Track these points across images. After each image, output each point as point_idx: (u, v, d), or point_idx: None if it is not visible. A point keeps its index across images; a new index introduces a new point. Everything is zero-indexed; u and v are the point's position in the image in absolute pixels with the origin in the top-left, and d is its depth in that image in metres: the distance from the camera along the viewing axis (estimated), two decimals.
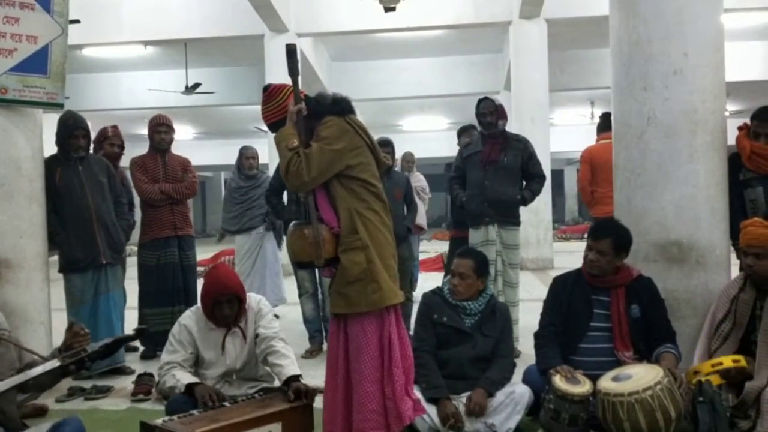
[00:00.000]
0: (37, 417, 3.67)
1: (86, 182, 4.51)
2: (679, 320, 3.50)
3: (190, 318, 3.38)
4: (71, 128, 4.46)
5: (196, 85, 12.86)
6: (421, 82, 14.19)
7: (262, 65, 10.84)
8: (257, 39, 10.65)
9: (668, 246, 3.62)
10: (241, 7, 9.77)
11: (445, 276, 4.09)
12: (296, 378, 3.15)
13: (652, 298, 3.35)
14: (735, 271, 3.59)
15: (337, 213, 2.70)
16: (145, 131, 5.50)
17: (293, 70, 2.71)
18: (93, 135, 4.90)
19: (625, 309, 3.30)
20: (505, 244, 4.74)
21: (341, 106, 2.74)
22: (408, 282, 5.25)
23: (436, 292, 3.52)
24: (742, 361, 3.08)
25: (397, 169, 6.22)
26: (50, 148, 4.52)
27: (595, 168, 5.48)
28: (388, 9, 9.08)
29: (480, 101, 4.80)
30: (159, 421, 2.86)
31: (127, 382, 4.35)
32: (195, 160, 6.13)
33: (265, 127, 2.88)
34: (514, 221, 4.80)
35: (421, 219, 7.36)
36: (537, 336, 3.44)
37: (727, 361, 3.10)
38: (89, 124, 4.63)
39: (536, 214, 9.91)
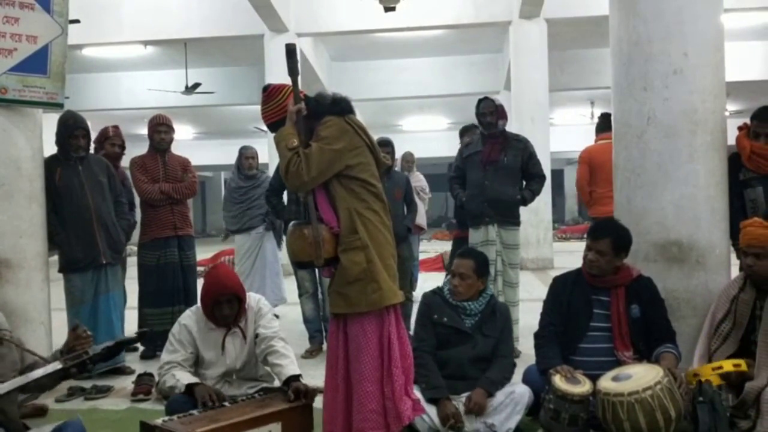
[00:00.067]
0: (37, 417, 3.68)
1: (86, 182, 4.51)
2: (679, 320, 3.50)
3: (190, 318, 3.38)
4: (71, 128, 4.46)
5: (196, 85, 12.86)
6: (421, 82, 14.19)
7: (262, 65, 10.84)
8: (257, 39, 10.65)
9: (668, 246, 3.62)
10: (241, 7, 9.77)
11: (446, 276, 4.09)
12: (296, 378, 3.15)
13: (652, 298, 3.35)
14: (735, 271, 3.58)
15: (336, 213, 2.70)
16: (144, 131, 5.51)
17: (293, 70, 2.71)
18: (93, 135, 4.90)
19: (625, 309, 3.30)
20: (505, 244, 4.74)
21: (341, 106, 2.75)
22: (408, 282, 5.25)
23: (436, 293, 3.52)
24: (743, 365, 3.07)
25: (397, 169, 6.22)
26: (50, 148, 4.52)
27: (593, 168, 5.48)
28: (388, 9, 9.08)
29: (480, 101, 4.80)
30: (159, 421, 2.86)
31: (127, 382, 4.35)
32: (195, 160, 6.13)
33: (264, 127, 2.89)
34: (514, 221, 4.80)
35: (421, 219, 7.36)
36: (537, 336, 3.43)
37: (728, 365, 3.09)
38: (89, 124, 4.63)
39: (536, 214, 9.91)
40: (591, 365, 3.20)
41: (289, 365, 3.20)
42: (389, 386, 2.68)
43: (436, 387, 3.24)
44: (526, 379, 3.38)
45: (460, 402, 3.24)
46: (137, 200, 5.34)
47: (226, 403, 3.07)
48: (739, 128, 4.00)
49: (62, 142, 4.49)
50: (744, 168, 3.90)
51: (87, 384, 4.24)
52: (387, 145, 5.17)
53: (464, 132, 5.84)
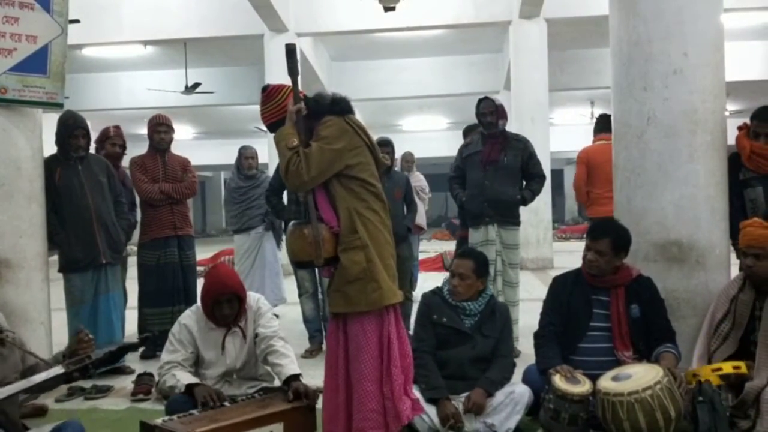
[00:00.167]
0: (37, 417, 3.68)
1: (86, 182, 4.51)
2: (679, 320, 3.50)
3: (190, 317, 3.38)
4: (71, 128, 4.46)
5: (196, 85, 12.86)
6: (421, 81, 14.20)
7: (261, 65, 10.84)
8: (257, 39, 10.65)
9: (668, 246, 3.62)
10: (241, 7, 9.77)
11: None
12: (296, 377, 3.15)
13: (651, 297, 3.35)
14: (735, 271, 3.58)
15: (336, 212, 2.70)
16: (144, 131, 5.50)
17: (293, 70, 2.71)
18: (93, 135, 4.89)
19: (625, 309, 3.30)
20: (504, 244, 4.74)
21: (340, 106, 2.75)
22: (408, 282, 5.25)
23: (436, 293, 3.52)
24: (743, 367, 3.06)
25: (397, 168, 6.22)
26: (50, 148, 4.52)
27: (591, 169, 5.51)
28: (387, 9, 9.09)
29: (480, 101, 4.80)
30: (159, 421, 2.86)
31: (126, 382, 4.35)
32: (195, 160, 6.13)
33: (264, 127, 2.89)
34: (514, 221, 4.80)
35: (421, 219, 7.36)
36: (537, 336, 3.43)
37: (728, 367, 3.08)
38: (89, 123, 4.63)
39: (536, 213, 9.91)
40: (591, 365, 3.20)
41: (289, 365, 3.20)
42: (388, 386, 2.68)
43: (436, 387, 3.24)
44: (526, 379, 3.38)
45: (459, 402, 3.24)
46: (137, 200, 5.34)
47: (226, 403, 3.07)
48: (739, 128, 4.00)
49: (62, 142, 4.49)
50: (744, 168, 3.90)
51: (87, 384, 4.23)
52: (387, 145, 5.17)
53: (468, 132, 5.84)
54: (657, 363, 3.10)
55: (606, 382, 3.00)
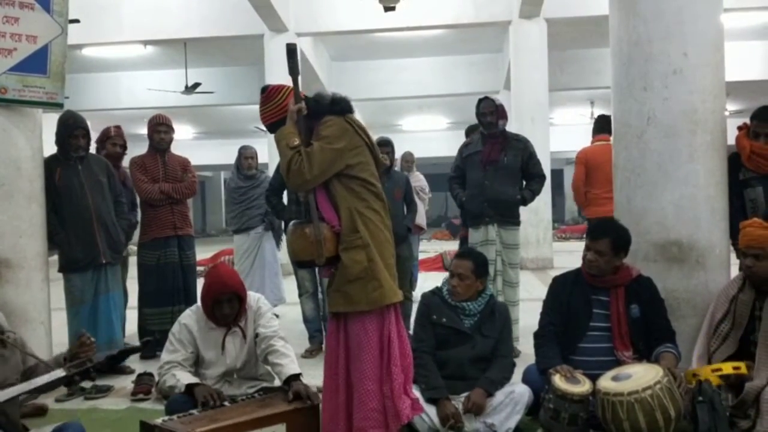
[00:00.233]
0: (37, 416, 3.68)
1: (86, 182, 4.51)
2: (679, 320, 3.50)
3: (190, 317, 3.38)
4: (71, 128, 4.46)
5: (196, 85, 12.86)
6: (421, 81, 14.19)
7: (261, 65, 10.84)
8: (257, 39, 10.65)
9: (668, 246, 3.62)
10: (241, 7, 9.77)
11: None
12: (296, 377, 3.15)
13: (651, 297, 3.35)
14: (735, 271, 3.58)
15: (337, 212, 2.70)
16: (144, 131, 5.50)
17: (293, 70, 2.72)
18: (93, 135, 4.89)
19: (625, 309, 3.30)
20: (504, 244, 4.74)
21: (341, 106, 2.76)
22: (408, 282, 5.25)
23: (435, 293, 3.52)
24: (743, 368, 3.06)
25: (397, 168, 6.22)
26: (50, 148, 4.52)
27: (589, 169, 5.52)
28: (387, 8, 9.09)
29: (480, 101, 4.80)
30: (159, 421, 2.86)
31: (126, 382, 4.35)
32: (195, 160, 6.13)
33: (264, 127, 2.89)
34: (514, 221, 4.80)
35: (421, 219, 7.36)
36: (537, 336, 3.43)
37: (728, 367, 3.08)
38: (89, 123, 4.64)
39: (536, 213, 9.91)
40: (591, 365, 3.20)
41: (290, 364, 3.21)
42: (388, 384, 2.68)
43: (436, 387, 3.24)
44: (526, 379, 3.38)
45: (459, 402, 3.24)
46: (138, 200, 5.34)
47: (226, 403, 3.07)
48: (739, 128, 4.00)
49: (62, 141, 4.49)
50: (744, 168, 3.89)
51: (87, 384, 4.23)
52: (387, 144, 5.17)
53: (470, 131, 5.84)
54: (657, 363, 3.10)
55: (606, 382, 3.00)
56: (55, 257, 4.58)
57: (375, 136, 3.18)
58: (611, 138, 4.14)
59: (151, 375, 4.17)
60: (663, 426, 2.85)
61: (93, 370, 2.47)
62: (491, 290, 3.66)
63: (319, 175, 2.65)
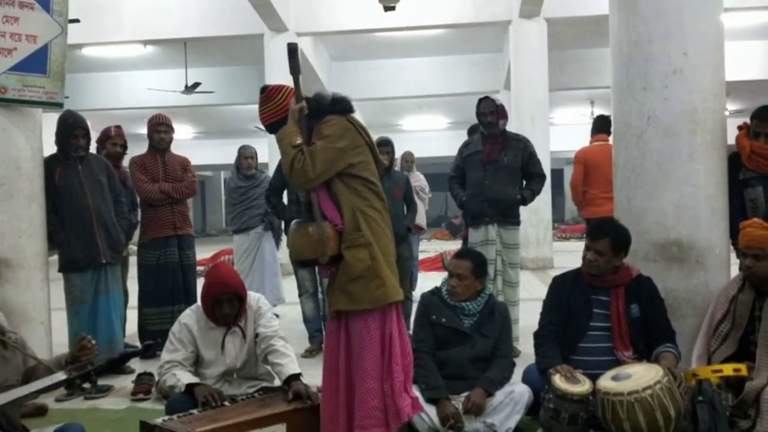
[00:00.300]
0: (37, 416, 3.67)
1: (86, 182, 4.51)
2: (679, 320, 3.50)
3: (190, 317, 3.38)
4: (71, 128, 4.46)
5: (196, 85, 12.86)
6: (421, 81, 14.19)
7: (261, 65, 10.84)
8: (257, 38, 10.64)
9: (668, 246, 3.62)
10: (241, 7, 9.77)
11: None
12: (296, 377, 3.15)
13: (651, 297, 3.35)
14: (735, 271, 3.58)
15: (339, 210, 2.70)
16: (144, 131, 5.50)
17: (294, 69, 2.71)
18: (94, 135, 4.89)
19: (625, 308, 3.30)
20: (504, 244, 4.74)
21: (342, 106, 2.76)
22: (408, 282, 5.25)
23: (435, 293, 3.52)
24: (743, 370, 3.05)
25: (397, 168, 6.22)
26: (50, 148, 4.52)
27: (588, 169, 5.53)
28: (387, 8, 9.09)
29: (480, 101, 4.80)
30: (159, 421, 2.86)
31: (126, 382, 4.35)
32: (194, 160, 6.13)
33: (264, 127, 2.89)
34: (514, 221, 4.80)
35: (421, 219, 7.36)
36: (536, 335, 3.43)
37: (728, 369, 3.07)
38: (89, 123, 4.63)
39: (536, 213, 9.91)
40: (591, 365, 3.20)
41: (290, 364, 3.21)
42: (389, 383, 2.68)
43: (436, 387, 3.24)
44: (526, 379, 3.38)
45: (459, 402, 3.24)
46: (138, 200, 5.34)
47: (226, 403, 3.07)
48: (739, 128, 4.00)
49: (62, 141, 4.49)
50: (744, 167, 3.89)
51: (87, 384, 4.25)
52: (387, 144, 5.17)
53: (472, 131, 5.83)
54: (657, 363, 3.10)
55: (606, 382, 3.00)
56: (55, 257, 4.58)
57: (375, 136, 3.17)
58: (610, 138, 4.14)
59: (151, 375, 4.17)
60: (663, 426, 2.85)
61: (94, 374, 2.48)
62: (490, 290, 3.66)
63: (321, 173, 2.65)
